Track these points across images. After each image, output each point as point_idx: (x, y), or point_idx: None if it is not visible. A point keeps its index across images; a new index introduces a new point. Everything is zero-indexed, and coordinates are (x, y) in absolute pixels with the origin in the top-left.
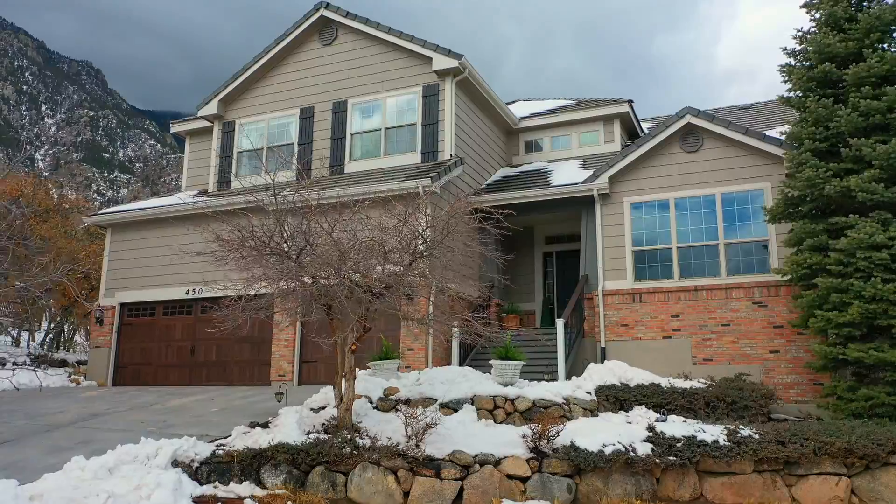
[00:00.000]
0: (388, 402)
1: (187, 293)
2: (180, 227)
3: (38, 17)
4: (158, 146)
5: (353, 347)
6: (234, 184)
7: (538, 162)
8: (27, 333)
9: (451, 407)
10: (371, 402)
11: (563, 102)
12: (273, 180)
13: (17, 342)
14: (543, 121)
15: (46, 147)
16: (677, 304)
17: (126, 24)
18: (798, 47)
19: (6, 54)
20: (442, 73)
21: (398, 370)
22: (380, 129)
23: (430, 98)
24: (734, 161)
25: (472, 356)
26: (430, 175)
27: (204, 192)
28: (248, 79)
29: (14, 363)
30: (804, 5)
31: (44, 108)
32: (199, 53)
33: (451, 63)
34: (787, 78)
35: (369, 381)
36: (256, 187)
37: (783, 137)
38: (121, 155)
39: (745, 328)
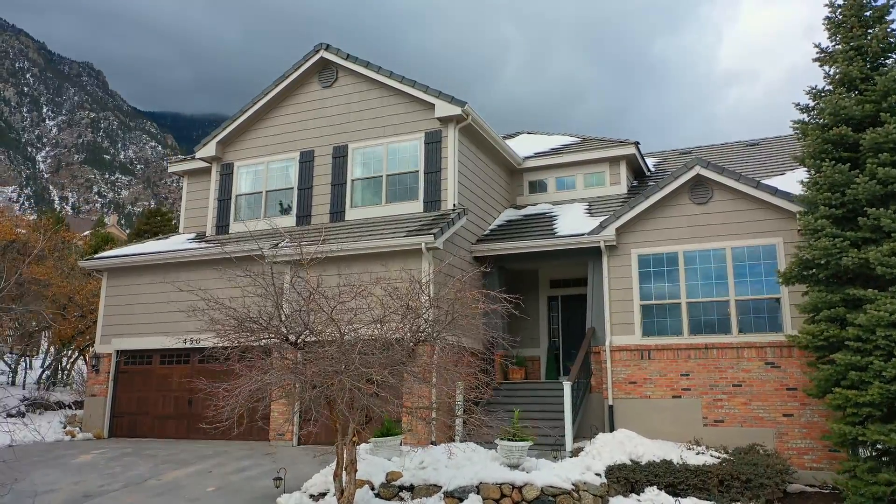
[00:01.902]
0: (390, 490)
1: (185, 342)
2: (179, 273)
3: (40, 19)
4: (159, 147)
5: (355, 439)
6: (233, 227)
7: (543, 204)
8: (24, 368)
9: (457, 496)
10: (373, 489)
11: (567, 140)
12: (272, 268)
13: (13, 380)
14: (548, 161)
15: (48, 149)
16: (687, 362)
17: (127, 24)
18: (811, 103)
19: (7, 56)
20: (444, 120)
21: (400, 444)
22: (381, 176)
23: (433, 145)
24: (745, 214)
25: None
26: (433, 231)
27: (202, 235)
28: (247, 120)
29: (8, 414)
30: (817, 59)
31: (45, 110)
32: (200, 54)
33: (455, 110)
34: (800, 136)
35: (370, 463)
36: (256, 234)
37: (796, 194)
38: (122, 157)
39: (757, 389)
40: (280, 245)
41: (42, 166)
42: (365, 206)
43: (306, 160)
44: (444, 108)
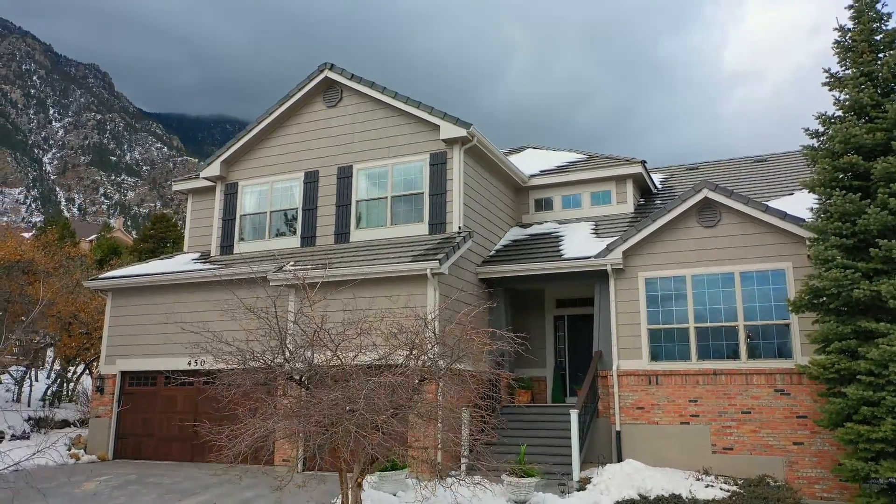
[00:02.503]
0: None
1: (189, 364)
2: (182, 294)
3: (46, 21)
4: (165, 149)
5: (359, 480)
6: (238, 248)
7: (549, 223)
8: (28, 384)
9: None
10: None
11: (573, 157)
12: (276, 305)
13: (18, 396)
14: (554, 179)
15: (54, 150)
16: (695, 388)
17: (132, 26)
18: (821, 128)
19: (14, 58)
20: (450, 142)
21: (406, 478)
22: (386, 198)
23: (438, 167)
24: (753, 238)
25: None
26: (438, 257)
27: (206, 255)
28: (252, 139)
29: (13, 434)
30: (826, 83)
31: (51, 112)
32: (205, 56)
33: (460, 132)
34: (810, 162)
35: (375, 500)
36: (259, 256)
37: (805, 218)
38: (128, 158)
39: (766, 417)
40: (284, 268)
41: (49, 168)
42: (370, 228)
43: (311, 181)
44: (449, 130)
